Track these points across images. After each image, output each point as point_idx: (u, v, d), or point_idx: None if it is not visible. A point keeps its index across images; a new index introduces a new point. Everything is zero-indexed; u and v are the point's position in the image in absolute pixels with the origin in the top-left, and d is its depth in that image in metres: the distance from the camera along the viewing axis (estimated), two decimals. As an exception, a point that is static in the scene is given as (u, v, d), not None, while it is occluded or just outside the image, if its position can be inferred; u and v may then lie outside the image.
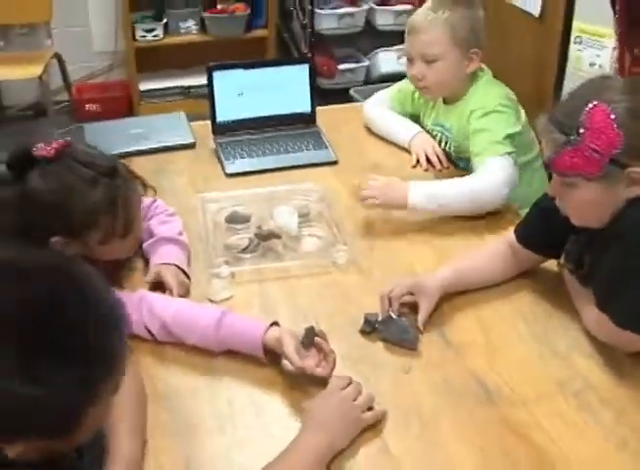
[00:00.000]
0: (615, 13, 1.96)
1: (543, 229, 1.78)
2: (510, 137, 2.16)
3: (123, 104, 4.89)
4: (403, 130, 2.49)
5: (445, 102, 2.37)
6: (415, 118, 2.53)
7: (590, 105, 1.47)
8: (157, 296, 1.75)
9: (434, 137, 2.42)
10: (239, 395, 1.55)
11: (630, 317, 1.51)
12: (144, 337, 1.68)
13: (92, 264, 1.66)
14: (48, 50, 4.67)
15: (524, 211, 1.96)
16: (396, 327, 1.67)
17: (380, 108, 2.59)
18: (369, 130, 2.63)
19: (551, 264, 1.87)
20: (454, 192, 2.09)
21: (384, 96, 2.61)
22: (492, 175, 2.08)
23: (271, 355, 1.59)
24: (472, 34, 2.22)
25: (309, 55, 4.58)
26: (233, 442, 1.43)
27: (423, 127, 2.47)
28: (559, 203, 1.61)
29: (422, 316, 1.70)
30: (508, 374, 1.58)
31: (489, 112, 2.21)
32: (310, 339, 1.56)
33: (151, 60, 4.85)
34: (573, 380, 1.56)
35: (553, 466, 1.37)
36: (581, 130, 1.47)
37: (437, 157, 2.38)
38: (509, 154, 2.13)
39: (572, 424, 1.46)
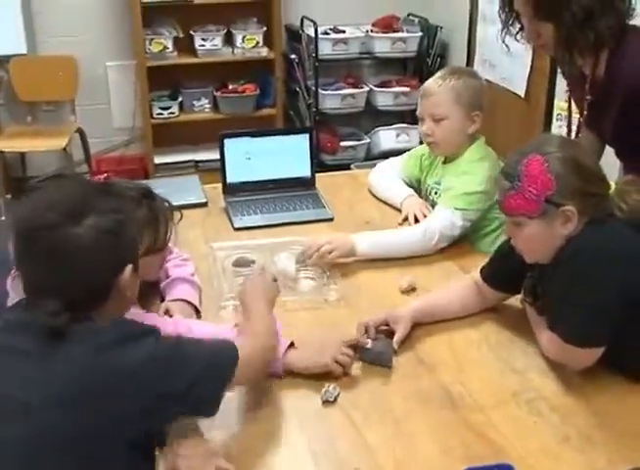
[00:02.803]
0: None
1: (504, 270, 2.06)
2: (473, 194, 2.50)
3: (139, 176, 5.23)
4: (397, 192, 2.82)
5: (444, 162, 2.70)
6: (420, 180, 2.85)
7: (528, 157, 1.78)
8: (189, 320, 2.03)
9: (434, 194, 2.72)
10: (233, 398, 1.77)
11: (573, 333, 1.77)
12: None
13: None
14: (72, 125, 5.05)
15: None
16: (374, 348, 1.94)
17: (381, 174, 2.94)
18: (362, 193, 2.95)
19: (515, 301, 2.14)
20: (392, 241, 2.47)
21: (394, 162, 2.95)
22: (430, 226, 2.48)
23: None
24: (474, 99, 2.58)
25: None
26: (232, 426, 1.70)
27: (425, 186, 2.79)
28: (513, 241, 1.89)
29: (396, 338, 1.97)
30: (470, 386, 1.84)
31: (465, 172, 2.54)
32: None
33: (166, 135, 5.22)
34: (527, 391, 1.82)
35: (505, 455, 1.61)
36: (521, 177, 1.77)
37: (424, 215, 2.68)
38: (462, 210, 2.48)
39: (523, 424, 1.72)
